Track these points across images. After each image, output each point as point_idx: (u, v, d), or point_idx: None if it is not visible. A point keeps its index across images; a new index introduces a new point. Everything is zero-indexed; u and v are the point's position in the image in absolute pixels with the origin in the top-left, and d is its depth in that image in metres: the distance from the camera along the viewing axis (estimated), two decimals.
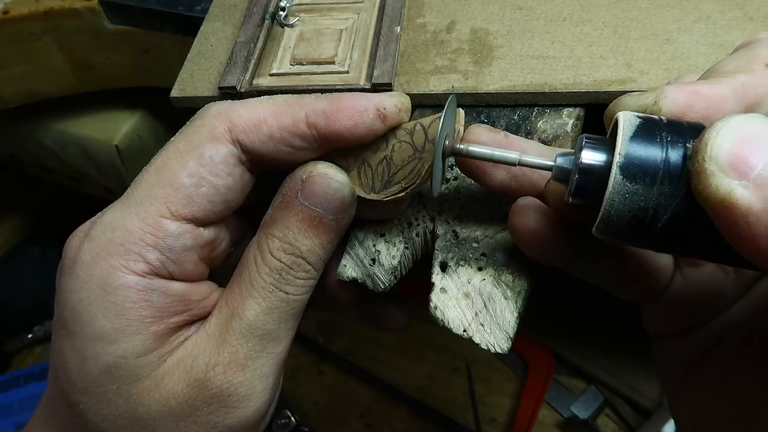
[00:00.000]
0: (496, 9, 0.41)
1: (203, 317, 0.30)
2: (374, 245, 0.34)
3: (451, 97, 0.29)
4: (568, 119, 0.36)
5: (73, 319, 0.28)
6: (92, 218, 0.30)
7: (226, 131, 0.29)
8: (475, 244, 0.33)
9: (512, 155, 0.27)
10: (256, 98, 0.31)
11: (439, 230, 0.34)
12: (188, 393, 0.28)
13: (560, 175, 0.25)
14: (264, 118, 0.29)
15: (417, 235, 0.34)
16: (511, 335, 0.31)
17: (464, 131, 0.30)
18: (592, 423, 0.74)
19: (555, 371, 0.79)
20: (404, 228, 0.34)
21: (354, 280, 0.34)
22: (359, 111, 0.29)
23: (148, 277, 0.28)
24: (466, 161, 0.30)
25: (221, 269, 0.33)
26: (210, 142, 0.29)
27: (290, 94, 0.31)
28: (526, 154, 0.27)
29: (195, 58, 0.42)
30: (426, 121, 0.31)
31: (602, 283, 0.30)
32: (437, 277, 0.32)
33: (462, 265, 0.32)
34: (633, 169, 0.21)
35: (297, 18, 0.43)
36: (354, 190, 0.31)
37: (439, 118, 0.27)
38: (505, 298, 0.31)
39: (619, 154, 0.22)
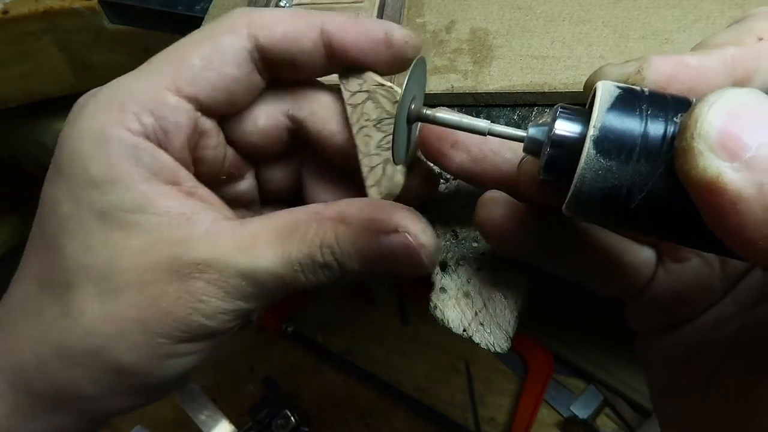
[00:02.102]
0: (496, 9, 0.41)
1: (197, 197, 0.30)
2: None
3: (418, 58, 0.28)
4: None
5: (69, 164, 0.29)
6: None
7: (244, 26, 0.30)
8: (474, 244, 0.33)
9: (481, 123, 0.25)
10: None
11: (439, 230, 0.34)
12: (166, 276, 0.28)
13: (532, 146, 0.23)
14: (282, 19, 0.30)
15: None
16: (511, 335, 0.31)
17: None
18: (592, 422, 0.74)
19: (554, 371, 0.79)
20: None
21: None
22: (369, 29, 0.30)
23: (140, 137, 0.29)
24: (424, 144, 0.30)
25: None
26: (227, 33, 0.30)
27: None
28: (495, 124, 0.25)
29: None
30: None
31: (580, 280, 0.30)
32: (437, 277, 0.32)
33: (462, 265, 0.32)
34: (608, 144, 0.20)
35: None
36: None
37: (406, 81, 0.26)
38: (505, 298, 0.31)
39: (594, 126, 0.20)
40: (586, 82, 0.24)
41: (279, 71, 0.32)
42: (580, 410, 0.75)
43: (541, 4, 0.41)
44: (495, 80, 0.37)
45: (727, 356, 0.27)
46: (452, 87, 0.37)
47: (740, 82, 0.22)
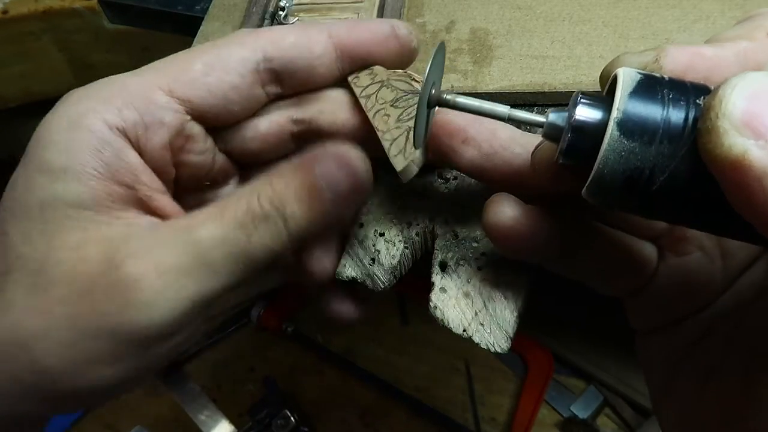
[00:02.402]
0: (496, 9, 0.41)
1: (150, 210, 0.29)
2: (374, 245, 0.34)
3: (439, 44, 0.28)
4: None
5: (34, 147, 0.28)
6: None
7: (253, 40, 0.30)
8: (474, 244, 0.33)
9: (502, 108, 0.25)
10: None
11: (439, 230, 0.34)
12: (98, 266, 0.26)
13: (552, 132, 0.24)
14: (290, 31, 0.31)
15: (416, 234, 0.34)
16: (511, 335, 0.31)
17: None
18: (592, 422, 0.74)
19: (554, 371, 0.79)
20: (404, 227, 0.34)
21: (353, 280, 0.34)
22: (376, 26, 0.31)
23: (114, 132, 0.28)
24: (437, 140, 0.30)
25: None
26: (235, 44, 0.30)
27: None
28: (515, 109, 0.25)
29: None
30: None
31: (585, 279, 0.30)
32: (437, 277, 0.32)
33: (462, 265, 0.32)
34: (631, 126, 0.20)
35: (297, 18, 0.43)
36: (368, 184, 0.30)
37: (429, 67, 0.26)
38: (505, 298, 0.31)
39: (617, 109, 0.20)
40: (602, 72, 0.25)
41: (288, 83, 0.31)
42: (580, 410, 0.75)
43: (541, 4, 0.41)
44: (495, 80, 0.37)
45: (727, 354, 0.27)
46: (452, 87, 0.37)
47: None
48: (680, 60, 0.23)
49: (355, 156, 0.29)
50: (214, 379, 0.86)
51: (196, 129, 0.31)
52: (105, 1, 0.56)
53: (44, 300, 0.26)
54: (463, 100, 0.26)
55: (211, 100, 0.30)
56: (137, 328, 0.26)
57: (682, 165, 0.20)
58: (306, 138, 0.33)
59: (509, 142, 0.29)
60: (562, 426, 0.76)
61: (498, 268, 0.32)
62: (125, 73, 0.30)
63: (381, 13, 0.42)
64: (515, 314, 0.31)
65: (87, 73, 0.64)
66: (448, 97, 0.26)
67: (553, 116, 0.24)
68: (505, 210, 0.28)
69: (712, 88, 0.21)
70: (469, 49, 0.39)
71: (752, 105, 0.18)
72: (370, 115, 0.31)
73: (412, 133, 0.30)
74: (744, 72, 0.19)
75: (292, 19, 0.42)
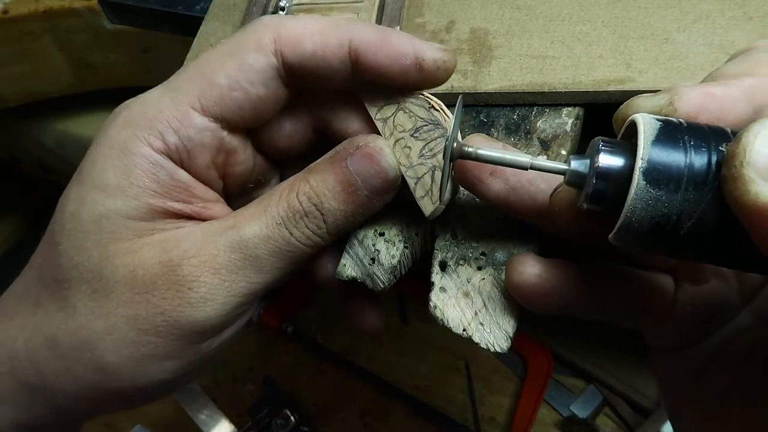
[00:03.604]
0: (496, 9, 0.41)
1: (203, 219, 0.31)
2: (374, 244, 0.34)
3: (459, 97, 0.28)
4: (567, 118, 0.36)
5: (89, 168, 0.30)
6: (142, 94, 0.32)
7: (271, 42, 0.30)
8: (474, 243, 0.33)
9: (524, 158, 0.26)
10: (308, 15, 0.33)
11: (439, 229, 0.34)
12: (156, 269, 0.28)
13: (574, 179, 0.24)
14: (311, 34, 0.30)
15: (416, 234, 0.34)
16: (511, 334, 0.31)
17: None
18: (591, 422, 0.74)
19: (554, 370, 0.79)
20: (404, 227, 0.34)
21: (353, 280, 0.34)
22: (400, 51, 0.29)
23: (162, 156, 0.29)
24: (461, 170, 0.30)
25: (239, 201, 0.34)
26: (254, 50, 0.30)
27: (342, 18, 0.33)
28: (537, 158, 0.26)
29: (195, 58, 0.42)
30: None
31: (605, 319, 0.30)
32: (437, 277, 0.32)
33: (461, 265, 0.32)
34: (656, 175, 0.21)
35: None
36: (399, 179, 0.31)
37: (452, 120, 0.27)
38: (505, 297, 0.31)
39: (642, 159, 0.21)
40: (616, 115, 0.25)
41: (304, 84, 0.32)
42: (580, 410, 0.75)
43: (541, 4, 0.41)
44: (495, 80, 0.37)
45: (745, 366, 0.27)
46: (452, 87, 0.38)
47: (759, 110, 0.23)
48: (693, 102, 0.23)
49: (386, 151, 0.30)
50: (214, 378, 0.86)
51: (235, 142, 0.32)
52: (105, 1, 0.56)
53: (106, 303, 0.29)
54: (484, 152, 0.27)
55: (242, 114, 0.30)
56: (195, 324, 0.29)
57: (708, 210, 0.21)
58: (326, 133, 0.33)
59: (535, 176, 0.29)
60: (561, 426, 0.76)
61: (498, 268, 0.32)
62: (154, 91, 0.31)
63: (381, 13, 0.42)
64: (515, 314, 0.31)
65: (87, 72, 0.64)
66: (470, 150, 0.27)
67: (576, 163, 0.24)
68: (527, 270, 0.28)
69: (728, 129, 0.21)
70: (469, 49, 0.39)
71: None
72: (389, 143, 0.31)
73: (437, 174, 0.30)
74: (765, 119, 0.19)
75: None
